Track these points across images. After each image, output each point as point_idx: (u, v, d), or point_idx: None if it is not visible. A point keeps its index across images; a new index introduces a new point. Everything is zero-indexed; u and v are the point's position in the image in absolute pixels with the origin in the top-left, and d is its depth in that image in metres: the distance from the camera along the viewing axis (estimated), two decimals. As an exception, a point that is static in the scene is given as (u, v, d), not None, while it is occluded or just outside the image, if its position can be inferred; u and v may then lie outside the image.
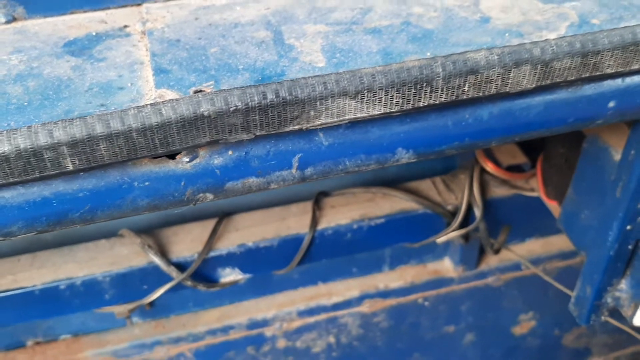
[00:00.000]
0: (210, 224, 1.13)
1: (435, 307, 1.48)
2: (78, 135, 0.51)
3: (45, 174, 0.53)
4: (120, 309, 1.14)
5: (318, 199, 1.17)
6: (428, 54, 0.67)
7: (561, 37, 0.63)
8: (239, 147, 0.60)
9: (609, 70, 0.65)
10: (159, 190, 0.60)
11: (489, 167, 1.18)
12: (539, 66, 0.61)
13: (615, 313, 1.01)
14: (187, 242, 1.09)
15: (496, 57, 0.59)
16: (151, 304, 1.24)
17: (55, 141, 0.51)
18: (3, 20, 0.75)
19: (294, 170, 0.63)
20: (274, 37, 0.71)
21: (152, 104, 0.54)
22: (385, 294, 1.41)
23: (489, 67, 0.59)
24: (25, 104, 0.61)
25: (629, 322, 0.98)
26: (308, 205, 1.16)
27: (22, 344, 1.27)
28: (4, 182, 0.52)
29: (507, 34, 0.70)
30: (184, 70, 0.65)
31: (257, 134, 0.58)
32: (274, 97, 0.55)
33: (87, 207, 0.58)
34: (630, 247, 0.93)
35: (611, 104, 0.70)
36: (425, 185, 1.21)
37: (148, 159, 0.58)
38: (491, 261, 1.47)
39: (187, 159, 0.59)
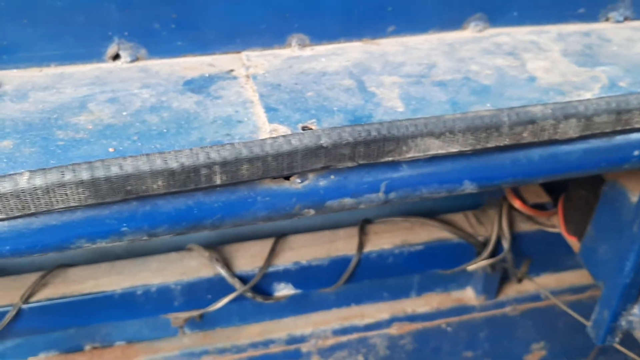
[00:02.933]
0: (267, 242, 1.26)
1: (456, 332, 1.60)
2: (228, 158, 0.66)
3: (199, 186, 0.66)
4: (178, 318, 1.26)
5: (363, 225, 1.31)
6: (488, 105, 0.82)
7: (600, 97, 0.78)
8: (340, 173, 0.75)
9: (636, 125, 0.80)
10: (275, 204, 0.74)
11: (517, 204, 1.32)
12: (583, 120, 0.76)
13: (629, 336, 1.14)
14: (248, 258, 1.22)
15: (550, 110, 0.74)
16: (201, 316, 1.36)
17: (211, 161, 0.65)
18: (128, 59, 0.89)
19: (380, 194, 0.77)
20: (358, 85, 0.86)
21: (283, 136, 0.68)
22: (412, 318, 1.53)
23: (544, 118, 0.74)
24: (165, 130, 0.75)
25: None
26: (354, 230, 1.30)
27: (80, 347, 1.38)
28: (166, 192, 0.66)
29: (551, 92, 0.85)
30: (289, 109, 0.80)
31: (360, 162, 0.72)
32: (377, 134, 0.70)
33: (219, 215, 0.72)
34: (643, 276, 1.07)
35: (636, 152, 0.85)
36: (458, 218, 1.35)
37: (270, 179, 0.72)
38: (509, 292, 1.60)
39: (299, 180, 0.73)
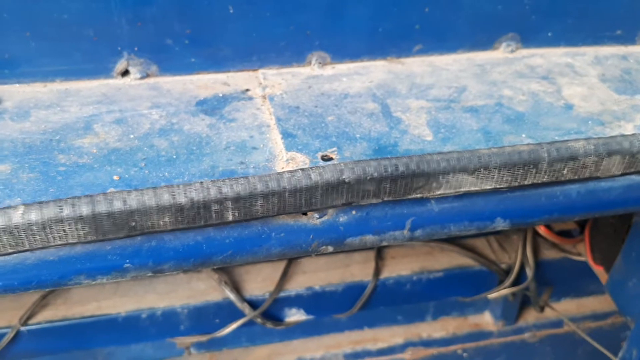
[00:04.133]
0: (279, 265, 1.20)
1: (473, 359, 1.54)
2: (242, 193, 0.60)
3: (209, 223, 0.61)
4: (184, 341, 1.21)
5: (380, 249, 1.25)
6: (523, 135, 0.75)
7: (647, 132, 0.71)
8: (362, 208, 0.69)
9: (683, 162, 0.73)
10: (291, 241, 0.68)
11: (542, 230, 1.26)
12: (628, 156, 0.70)
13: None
14: (259, 282, 1.16)
15: (592, 147, 0.68)
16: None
17: (223, 196, 0.59)
18: (138, 75, 0.84)
19: (405, 232, 0.71)
20: (382, 110, 0.80)
21: (302, 170, 0.62)
22: (427, 343, 1.47)
23: (586, 155, 0.68)
24: (174, 157, 0.70)
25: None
26: (370, 255, 1.24)
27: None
28: (173, 228, 0.60)
29: (590, 122, 0.79)
30: (308, 135, 0.74)
31: (385, 199, 0.66)
32: (405, 169, 0.64)
33: (230, 252, 0.66)
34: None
35: (680, 190, 0.78)
36: (480, 243, 1.28)
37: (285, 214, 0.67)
38: (529, 318, 1.53)
39: (317, 216, 0.68)
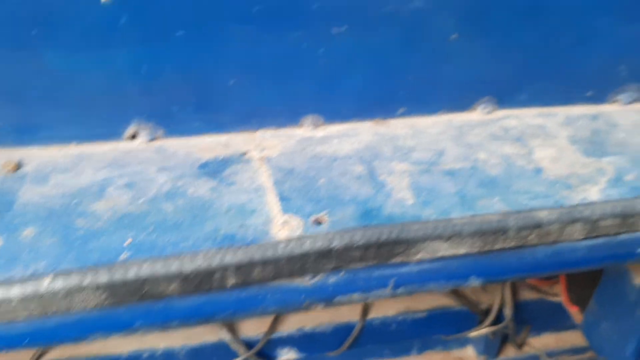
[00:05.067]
0: (272, 306, 1.27)
1: (456, 391, 1.61)
2: (242, 261, 0.67)
3: (212, 288, 0.68)
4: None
5: (367, 290, 1.32)
6: (496, 198, 0.83)
7: (605, 202, 0.80)
8: (349, 270, 0.76)
9: (641, 226, 0.82)
10: (285, 300, 0.75)
11: (520, 273, 1.33)
12: (589, 224, 0.78)
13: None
14: (253, 323, 1.23)
15: (556, 215, 0.76)
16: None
17: (225, 266, 0.67)
18: (146, 139, 0.92)
19: (388, 290, 0.79)
20: (369, 173, 0.88)
21: (297, 239, 0.70)
22: (413, 377, 1.54)
23: (550, 223, 0.76)
24: (180, 221, 0.77)
25: None
26: (359, 295, 1.31)
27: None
28: (180, 293, 0.68)
29: (557, 184, 0.87)
30: (302, 199, 0.82)
31: (370, 263, 0.74)
32: (387, 237, 0.72)
33: (230, 311, 0.73)
34: (645, 359, 1.08)
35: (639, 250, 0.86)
36: (462, 285, 1.36)
37: (281, 277, 0.74)
38: (510, 352, 1.60)
39: (309, 278, 0.75)
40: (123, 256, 0.70)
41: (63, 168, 0.86)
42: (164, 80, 0.87)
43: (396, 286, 0.78)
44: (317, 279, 0.76)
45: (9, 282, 0.63)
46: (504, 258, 0.81)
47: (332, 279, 0.76)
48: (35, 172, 0.84)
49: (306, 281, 0.75)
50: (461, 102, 1.03)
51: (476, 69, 0.99)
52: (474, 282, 0.81)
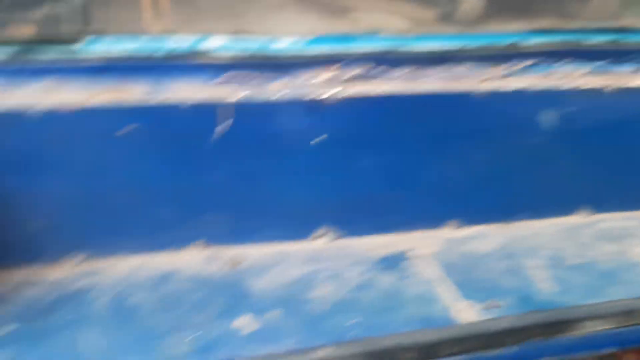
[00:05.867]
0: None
1: None
2: (455, 338, 0.88)
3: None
4: None
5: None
6: (616, 287, 1.05)
7: None
8: (522, 344, 0.97)
9: None
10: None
11: None
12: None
13: None
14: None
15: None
16: None
17: (443, 340, 0.88)
18: (332, 237, 1.14)
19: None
20: (512, 267, 1.10)
21: (493, 320, 0.91)
22: None
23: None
24: (383, 307, 0.98)
25: None
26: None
27: None
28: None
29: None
30: (468, 288, 1.03)
31: (537, 339, 0.95)
32: (555, 319, 0.93)
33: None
34: None
35: None
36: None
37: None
38: None
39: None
40: (352, 333, 0.91)
41: (272, 263, 1.08)
42: (350, 196, 1.11)
43: (557, 355, 0.99)
44: (499, 352, 0.96)
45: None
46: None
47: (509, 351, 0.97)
48: (253, 268, 1.06)
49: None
50: (565, 208, 1.28)
51: (577, 183, 1.25)
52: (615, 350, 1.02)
